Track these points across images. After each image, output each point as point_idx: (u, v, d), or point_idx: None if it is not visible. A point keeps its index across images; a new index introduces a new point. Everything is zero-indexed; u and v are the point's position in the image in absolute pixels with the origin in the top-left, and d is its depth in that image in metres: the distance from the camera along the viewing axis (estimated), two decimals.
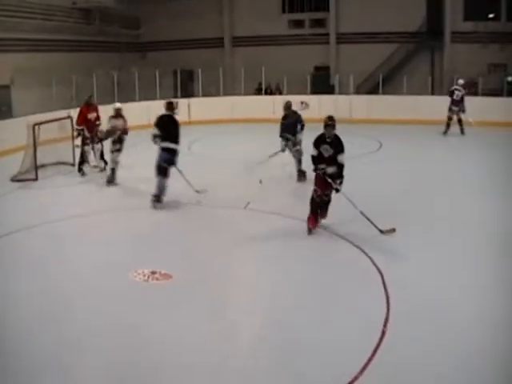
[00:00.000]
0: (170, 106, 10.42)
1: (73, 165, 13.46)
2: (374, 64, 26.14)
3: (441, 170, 13.23)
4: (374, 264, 7.16)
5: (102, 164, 13.12)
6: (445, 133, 18.48)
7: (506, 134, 18.25)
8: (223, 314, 5.94)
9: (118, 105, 12.62)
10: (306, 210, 8.54)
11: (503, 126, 19.17)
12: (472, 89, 21.40)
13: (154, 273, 6.88)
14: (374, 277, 6.79)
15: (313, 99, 21.94)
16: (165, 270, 6.92)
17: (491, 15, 26.94)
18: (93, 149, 13.04)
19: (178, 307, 6.09)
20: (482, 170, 12.97)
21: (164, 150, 10.08)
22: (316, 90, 23.25)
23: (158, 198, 10.07)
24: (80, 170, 12.97)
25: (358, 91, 24.51)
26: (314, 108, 17.06)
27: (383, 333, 5.41)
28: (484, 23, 26.58)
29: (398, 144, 17.03)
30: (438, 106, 21.00)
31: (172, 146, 10.07)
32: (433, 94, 23.92)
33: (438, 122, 19.33)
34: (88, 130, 12.88)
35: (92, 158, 13.18)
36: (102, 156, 13.17)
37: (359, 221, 8.68)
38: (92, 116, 12.97)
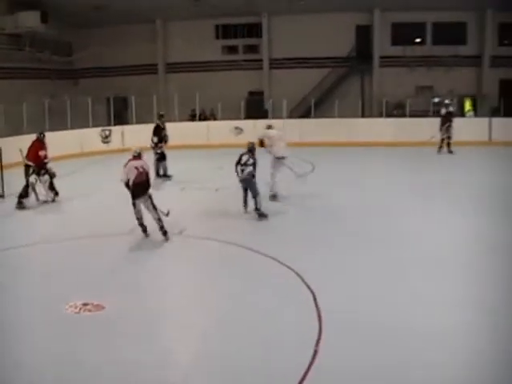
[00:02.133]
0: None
1: (2, 196, 13.07)
2: (307, 88, 26.75)
3: (375, 189, 13.58)
4: (305, 283, 7.27)
5: (52, 194, 12.78)
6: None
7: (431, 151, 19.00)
8: (156, 342, 5.89)
9: None
10: (239, 233, 8.56)
11: (432, 146, 19.90)
12: (399, 110, 22.26)
13: (85, 304, 6.75)
14: (305, 296, 6.88)
15: (247, 124, 22.20)
16: (97, 301, 6.81)
17: (418, 40, 28.12)
18: (39, 181, 12.63)
19: (110, 338, 6.00)
20: (415, 185, 13.57)
21: None
22: (250, 115, 23.53)
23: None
24: (20, 203, 12.29)
25: (291, 115, 24.94)
26: (249, 133, 17.26)
27: (315, 352, 5.48)
28: (411, 47, 27.70)
29: (330, 165, 17.39)
30: (368, 127, 21.73)
31: None
32: (363, 116, 24.61)
33: (369, 144, 19.92)
34: (37, 166, 12.55)
35: (40, 190, 12.77)
36: (51, 186, 12.80)
37: (288, 241, 9.26)
38: (42, 154, 12.70)
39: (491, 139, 21.83)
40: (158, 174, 15.33)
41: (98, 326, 6.28)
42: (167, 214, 9.76)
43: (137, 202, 9.47)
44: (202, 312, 6.74)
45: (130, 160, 9.70)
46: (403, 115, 23.22)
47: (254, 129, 19.48)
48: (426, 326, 6.07)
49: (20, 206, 12.30)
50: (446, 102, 20.07)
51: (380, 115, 24.27)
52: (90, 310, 6.64)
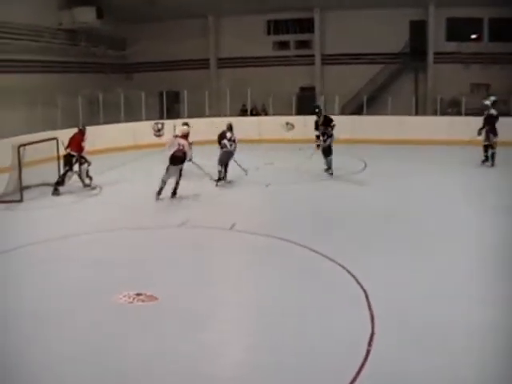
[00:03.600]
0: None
1: None
2: (359, 85, 26.43)
3: (425, 189, 13.32)
4: (358, 282, 7.18)
5: (89, 181, 13.56)
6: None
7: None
8: (208, 335, 5.91)
9: None
10: (289, 227, 8.48)
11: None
12: (454, 108, 21.71)
13: (139, 295, 6.83)
14: (358, 295, 6.79)
15: (298, 120, 22.11)
16: (150, 292, 6.88)
17: (474, 36, 27.43)
18: (80, 170, 13.44)
19: (163, 329, 6.05)
20: (464, 188, 13.13)
21: None
22: (301, 111, 23.42)
23: None
24: (56, 189, 13.04)
25: (343, 111, 24.69)
26: (300, 128, 17.22)
27: (368, 352, 5.40)
28: (466, 44, 27.04)
29: (382, 164, 17.12)
30: (422, 126, 21.29)
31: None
32: (417, 114, 24.17)
33: (422, 142, 19.54)
34: (80, 156, 13.28)
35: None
36: (87, 174, 13.56)
37: (340, 238, 9.13)
38: (84, 145, 13.39)
39: None
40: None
41: (150, 317, 6.35)
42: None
43: (171, 167, 12.16)
44: (252, 307, 6.74)
45: (177, 136, 12.56)
46: (458, 113, 22.70)
47: (305, 125, 19.40)
48: (482, 328, 5.91)
49: (56, 192, 13.03)
50: (486, 102, 16.96)
51: (434, 113, 23.79)
52: (143, 301, 6.72)
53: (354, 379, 4.91)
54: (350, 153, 18.76)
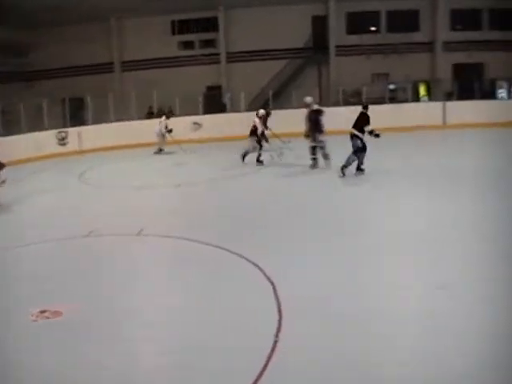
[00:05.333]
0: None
1: None
2: (265, 81, 26.84)
3: (330, 185, 13.64)
4: (266, 276, 7.26)
5: None
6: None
7: (392, 138, 19.10)
8: (116, 346, 5.83)
9: None
10: (198, 228, 8.47)
11: (390, 132, 20.05)
12: (356, 98, 22.42)
13: (43, 312, 6.62)
14: (266, 288, 6.87)
15: (206, 119, 22.14)
16: (55, 308, 6.69)
17: (373, 28, 28.45)
18: None
19: (72, 344, 5.89)
20: (375, 173, 13.61)
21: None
22: (209, 110, 23.47)
23: None
24: None
25: (250, 108, 24.91)
26: (207, 128, 17.28)
27: (275, 342, 5.48)
28: (366, 36, 28.01)
29: (288, 157, 17.38)
30: (325, 116, 21.75)
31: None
32: (321, 105, 24.70)
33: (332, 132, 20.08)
34: None
35: None
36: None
37: (243, 231, 9.38)
38: None
39: (445, 123, 22.22)
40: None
41: (58, 333, 6.17)
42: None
43: (248, 138, 15.89)
44: (161, 310, 6.70)
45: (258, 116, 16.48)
46: (360, 103, 23.42)
47: (212, 124, 19.51)
48: (389, 311, 6.12)
49: None
50: (308, 99, 15.12)
51: (337, 104, 24.43)
52: (47, 317, 6.51)
53: (262, 371, 4.98)
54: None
